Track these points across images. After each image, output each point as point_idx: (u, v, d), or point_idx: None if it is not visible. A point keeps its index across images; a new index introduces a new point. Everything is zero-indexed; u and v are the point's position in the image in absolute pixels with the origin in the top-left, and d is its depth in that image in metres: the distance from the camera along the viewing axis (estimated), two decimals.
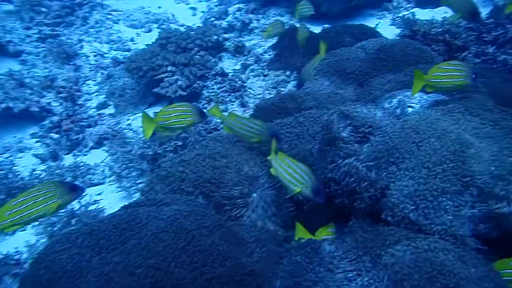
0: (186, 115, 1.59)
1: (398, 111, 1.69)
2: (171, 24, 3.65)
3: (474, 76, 1.44)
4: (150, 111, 2.59)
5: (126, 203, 1.52)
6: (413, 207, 1.34)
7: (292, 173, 1.32)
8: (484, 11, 2.96)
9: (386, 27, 3.26)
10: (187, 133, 2.20)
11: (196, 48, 2.67)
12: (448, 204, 1.30)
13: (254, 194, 1.58)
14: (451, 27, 2.33)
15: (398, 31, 3.08)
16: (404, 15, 3.24)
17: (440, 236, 1.28)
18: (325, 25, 3.21)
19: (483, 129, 1.46)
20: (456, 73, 1.46)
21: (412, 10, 3.34)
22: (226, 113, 1.76)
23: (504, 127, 1.45)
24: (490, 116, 1.50)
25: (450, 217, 1.29)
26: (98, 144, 2.66)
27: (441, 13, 3.13)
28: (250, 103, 2.60)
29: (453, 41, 2.26)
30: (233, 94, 2.51)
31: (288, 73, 2.79)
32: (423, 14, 3.19)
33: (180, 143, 2.17)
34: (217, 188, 1.56)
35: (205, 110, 2.45)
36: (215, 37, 2.81)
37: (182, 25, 3.58)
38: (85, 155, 2.64)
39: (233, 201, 1.53)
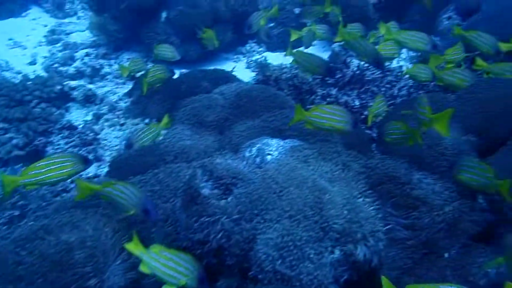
0: (65, 166, 1.42)
1: (258, 159, 1.70)
2: (4, 72, 3.17)
3: (354, 123, 1.51)
4: None
5: None
6: (280, 260, 1.31)
7: (174, 267, 1.17)
8: (324, 56, 3.30)
9: (242, 71, 3.38)
10: (26, 199, 1.87)
11: (35, 100, 2.34)
12: (311, 253, 1.31)
13: (111, 267, 1.39)
14: (299, 72, 2.51)
15: (253, 74, 3.21)
16: (257, 59, 3.41)
17: (309, 287, 1.27)
18: (183, 70, 3.18)
19: (335, 172, 1.54)
20: (336, 117, 1.51)
21: (264, 54, 3.55)
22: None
23: (351, 169, 1.56)
24: (340, 159, 1.61)
25: (314, 266, 1.30)
26: None
27: (289, 56, 3.37)
28: (106, 156, 2.37)
29: (301, 86, 2.43)
30: (84, 149, 2.25)
31: (147, 120, 2.65)
32: (273, 58, 3.39)
33: (17, 212, 1.82)
34: (64, 270, 1.32)
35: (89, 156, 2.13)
36: (59, 86, 2.52)
37: (20, 73, 3.14)
38: None
39: (84, 284, 1.31)
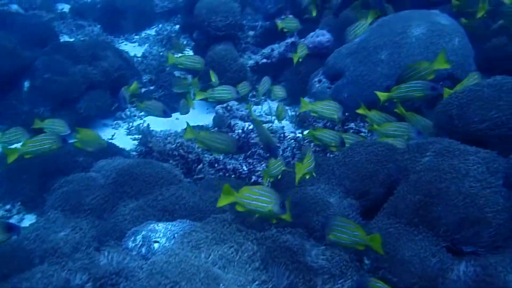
0: None
1: (143, 250, 1.54)
2: None
3: (281, 204, 1.45)
4: None
5: None
6: None
7: None
8: (208, 118, 3.30)
9: (123, 138, 3.17)
10: None
11: None
12: None
13: None
14: (184, 141, 2.43)
15: (135, 142, 3.04)
16: (139, 124, 3.25)
17: None
18: None
19: (229, 256, 1.46)
20: (266, 198, 1.46)
21: (145, 119, 3.38)
22: None
23: (245, 249, 1.50)
24: (233, 239, 1.53)
25: None
26: None
27: (173, 119, 3.26)
28: None
29: (187, 155, 2.35)
30: None
31: (9, 206, 2.28)
32: (156, 123, 3.24)
33: None
34: None
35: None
36: None
37: None
38: None
39: None
